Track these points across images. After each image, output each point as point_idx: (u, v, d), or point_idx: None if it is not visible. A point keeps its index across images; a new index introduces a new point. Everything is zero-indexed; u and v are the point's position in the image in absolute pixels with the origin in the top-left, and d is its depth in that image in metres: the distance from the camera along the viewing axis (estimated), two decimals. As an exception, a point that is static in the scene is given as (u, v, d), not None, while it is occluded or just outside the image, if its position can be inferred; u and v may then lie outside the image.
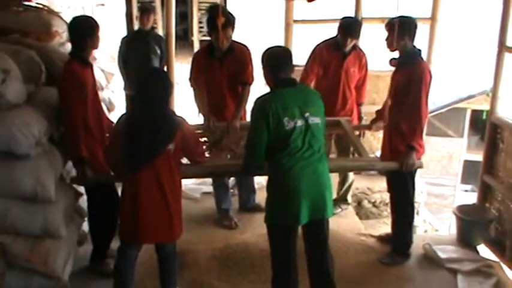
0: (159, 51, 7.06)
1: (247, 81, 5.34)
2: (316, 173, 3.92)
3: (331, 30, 6.04)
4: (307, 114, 3.87)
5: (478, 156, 12.09)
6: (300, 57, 6.99)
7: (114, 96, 7.70)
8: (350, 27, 5.65)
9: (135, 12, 7.94)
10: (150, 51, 6.96)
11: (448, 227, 9.45)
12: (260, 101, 3.90)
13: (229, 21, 5.09)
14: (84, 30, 4.36)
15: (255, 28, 10.81)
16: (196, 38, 15.14)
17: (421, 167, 4.81)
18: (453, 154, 11.13)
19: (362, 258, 5.15)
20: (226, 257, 5.04)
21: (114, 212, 4.56)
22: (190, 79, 5.47)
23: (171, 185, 4.00)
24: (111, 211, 4.64)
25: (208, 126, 5.28)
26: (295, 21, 7.07)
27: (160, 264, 4.29)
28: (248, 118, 5.30)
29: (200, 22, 15.35)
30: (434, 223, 7.66)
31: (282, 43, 7.11)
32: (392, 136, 4.83)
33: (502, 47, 5.29)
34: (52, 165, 4.21)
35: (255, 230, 5.57)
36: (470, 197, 11.27)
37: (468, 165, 11.24)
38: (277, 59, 3.98)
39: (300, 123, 3.84)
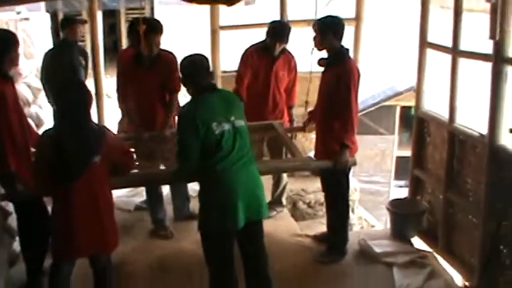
0: (83, 62, 6.91)
1: (174, 88, 5.28)
2: (249, 175, 3.96)
3: (258, 35, 6.07)
4: (232, 118, 3.93)
5: (410, 152, 12.45)
6: (228, 63, 7.03)
7: (42, 111, 7.52)
8: (278, 31, 5.69)
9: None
10: (77, 62, 6.80)
11: (384, 222, 9.59)
12: (186, 109, 3.95)
13: (156, 27, 5.06)
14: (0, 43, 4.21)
15: (184, 36, 10.75)
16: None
17: (354, 164, 4.87)
18: (385, 151, 11.36)
19: (299, 258, 5.17)
20: (163, 267, 4.98)
21: (45, 228, 4.42)
22: (117, 89, 5.39)
23: (103, 196, 3.97)
24: (42, 227, 4.49)
25: (138, 136, 5.20)
26: (221, 27, 7.03)
27: (95, 278, 4.20)
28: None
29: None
30: (370, 220, 7.79)
31: (209, 50, 7.09)
32: (325, 136, 4.87)
33: (424, 43, 5.42)
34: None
35: (191, 238, 5.47)
36: (404, 192, 11.51)
37: (401, 161, 11.47)
38: (195, 66, 4.02)
39: (227, 126, 3.87)
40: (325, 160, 4.82)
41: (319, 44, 4.77)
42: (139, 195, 6.44)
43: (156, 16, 11.85)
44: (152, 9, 13.19)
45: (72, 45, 6.92)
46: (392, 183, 11.02)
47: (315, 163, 4.90)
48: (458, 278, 5.11)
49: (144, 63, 5.19)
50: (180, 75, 4.12)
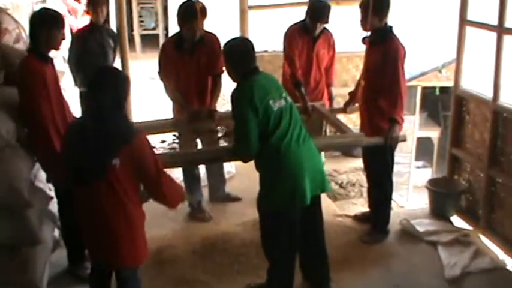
0: (112, 44, 6.80)
1: (219, 71, 5.18)
2: (311, 150, 3.96)
3: (288, 14, 6.01)
4: (284, 94, 3.90)
5: (428, 133, 12.44)
6: (257, 44, 6.94)
7: (65, 94, 7.43)
8: (319, 12, 5.62)
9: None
10: (107, 45, 6.69)
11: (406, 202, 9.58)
12: (241, 90, 3.85)
13: (203, 10, 4.95)
14: (38, 22, 4.10)
15: (211, 17, 10.66)
16: (137, 32, 15.01)
17: (404, 140, 4.87)
18: (406, 132, 11.34)
19: (343, 239, 5.16)
20: (207, 250, 4.93)
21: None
22: (159, 73, 5.27)
23: (122, 206, 3.36)
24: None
25: (179, 119, 5.13)
26: (250, 7, 6.95)
27: None
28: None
29: (140, 16, 15.30)
30: (398, 200, 7.76)
31: (237, 30, 7.01)
32: (372, 114, 4.85)
33: (463, 21, 5.36)
34: (23, 168, 4.00)
35: (229, 220, 5.50)
36: (423, 173, 11.53)
37: (418, 142, 11.45)
38: (244, 50, 3.92)
39: (283, 103, 3.84)
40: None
41: (364, 25, 4.77)
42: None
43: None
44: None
45: (100, 27, 6.81)
46: (413, 164, 10.98)
47: (366, 139, 4.79)
48: (501, 256, 5.10)
49: (186, 47, 5.09)
50: (225, 60, 3.99)
